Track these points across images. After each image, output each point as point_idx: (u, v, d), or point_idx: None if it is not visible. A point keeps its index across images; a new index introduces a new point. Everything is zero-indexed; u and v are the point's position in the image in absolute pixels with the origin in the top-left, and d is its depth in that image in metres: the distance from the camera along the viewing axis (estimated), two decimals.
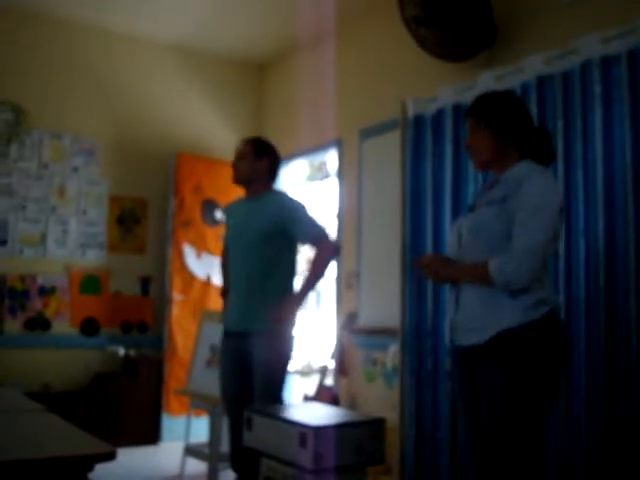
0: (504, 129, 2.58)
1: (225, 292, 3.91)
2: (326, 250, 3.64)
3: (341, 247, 3.74)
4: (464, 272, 2.54)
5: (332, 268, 5.22)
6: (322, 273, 3.68)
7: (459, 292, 2.58)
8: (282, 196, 3.83)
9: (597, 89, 3.26)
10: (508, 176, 2.54)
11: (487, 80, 3.88)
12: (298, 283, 3.70)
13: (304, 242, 3.69)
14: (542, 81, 3.55)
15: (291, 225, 3.61)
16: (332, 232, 3.79)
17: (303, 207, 3.71)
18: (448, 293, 2.73)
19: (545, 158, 2.64)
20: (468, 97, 3.77)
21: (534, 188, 2.42)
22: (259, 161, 3.76)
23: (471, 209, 2.67)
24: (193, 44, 6.25)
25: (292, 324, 3.65)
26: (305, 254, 3.79)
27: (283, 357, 3.65)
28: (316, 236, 3.63)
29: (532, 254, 2.36)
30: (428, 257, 2.81)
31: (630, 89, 3.14)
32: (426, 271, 2.68)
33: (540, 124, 3.54)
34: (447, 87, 4.09)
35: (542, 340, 2.41)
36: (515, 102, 2.68)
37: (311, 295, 6.55)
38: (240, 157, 3.79)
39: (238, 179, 3.80)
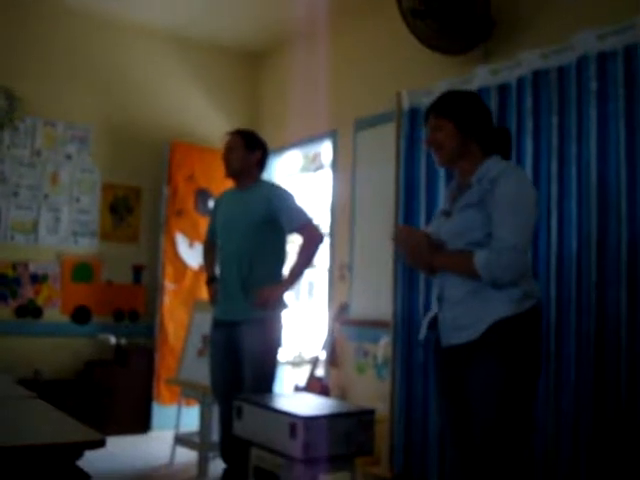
0: (469, 126, 2.57)
1: (210, 280, 3.93)
2: (312, 238, 3.67)
3: (324, 236, 3.78)
4: (451, 262, 2.51)
5: (321, 257, 5.25)
6: (309, 261, 3.71)
7: (443, 288, 2.55)
8: (271, 186, 3.88)
9: (593, 85, 3.26)
10: (481, 176, 2.50)
11: (483, 74, 3.88)
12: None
13: (290, 230, 3.71)
14: (538, 76, 3.55)
15: (279, 214, 3.64)
16: (320, 222, 3.81)
17: (291, 196, 3.75)
18: (433, 287, 2.68)
19: (505, 156, 2.63)
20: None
21: (510, 186, 2.42)
22: (252, 154, 3.80)
23: (447, 214, 2.61)
24: (188, 33, 6.22)
25: (280, 311, 3.67)
26: (295, 244, 3.81)
27: (272, 346, 3.66)
28: (302, 224, 3.66)
29: (517, 252, 2.36)
30: (418, 235, 2.62)
31: (625, 86, 3.14)
32: (410, 253, 2.59)
33: (535, 120, 3.55)
34: (443, 80, 4.09)
35: (529, 333, 2.43)
36: (478, 101, 2.67)
37: (300, 284, 6.58)
38: (230, 149, 3.81)
39: (231, 172, 3.82)
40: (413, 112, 4.27)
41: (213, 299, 3.88)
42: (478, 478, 2.43)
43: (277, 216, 3.66)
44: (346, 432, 3.09)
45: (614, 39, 3.21)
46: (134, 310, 5.96)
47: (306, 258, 3.68)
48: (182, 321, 5.65)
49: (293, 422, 2.97)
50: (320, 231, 3.76)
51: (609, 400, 3.06)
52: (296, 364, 6.38)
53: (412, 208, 4.26)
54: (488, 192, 2.44)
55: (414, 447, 4.11)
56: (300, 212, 3.70)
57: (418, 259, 2.59)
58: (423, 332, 2.65)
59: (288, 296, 3.77)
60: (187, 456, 4.70)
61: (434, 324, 2.59)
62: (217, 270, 3.91)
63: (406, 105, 4.34)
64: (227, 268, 3.75)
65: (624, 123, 3.13)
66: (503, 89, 3.78)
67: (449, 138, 2.57)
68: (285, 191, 3.79)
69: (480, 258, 2.38)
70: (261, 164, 3.86)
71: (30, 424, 2.19)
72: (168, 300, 5.87)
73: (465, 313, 2.46)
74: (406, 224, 4.19)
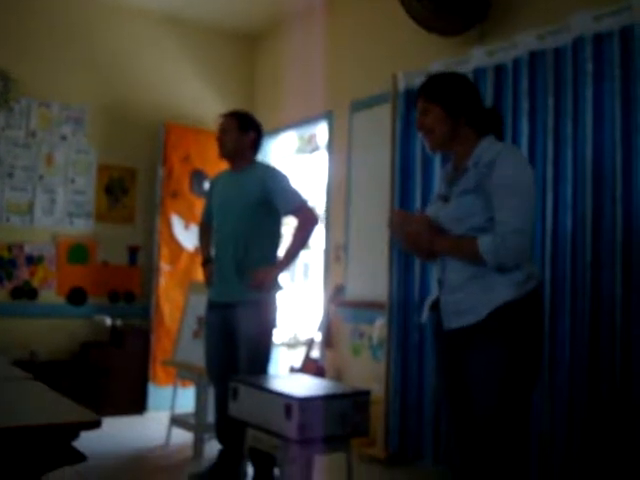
0: (458, 109, 2.53)
1: (205, 262, 3.93)
2: (307, 220, 3.67)
3: (319, 218, 3.78)
4: (454, 247, 2.47)
5: (317, 239, 5.25)
6: (304, 243, 3.72)
7: (444, 272, 2.53)
8: (266, 168, 3.87)
9: (589, 66, 3.25)
10: (477, 160, 2.47)
11: (479, 55, 3.86)
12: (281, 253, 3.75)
13: (285, 212, 3.71)
14: (534, 57, 3.54)
15: (274, 196, 3.64)
16: (315, 203, 3.82)
17: (286, 178, 3.75)
18: (433, 270, 2.66)
19: (499, 137, 2.60)
20: (460, 71, 3.75)
21: (508, 168, 2.39)
22: (245, 135, 3.79)
23: (444, 198, 2.57)
24: (184, 14, 6.17)
25: (275, 293, 3.67)
26: (291, 226, 3.82)
27: (268, 328, 3.67)
28: (297, 207, 3.66)
29: (521, 234, 2.34)
30: (417, 220, 2.59)
31: (621, 67, 3.13)
32: (407, 239, 2.56)
33: (531, 101, 3.54)
34: (439, 61, 4.07)
35: (531, 316, 2.43)
36: (466, 82, 2.63)
37: (296, 265, 6.58)
38: (224, 130, 3.80)
39: (225, 153, 3.81)
40: (409, 93, 4.25)
41: (208, 281, 3.88)
42: (478, 461, 2.44)
43: (272, 198, 3.65)
44: (341, 413, 3.10)
45: (610, 20, 3.20)
46: (130, 291, 5.97)
47: (301, 240, 3.68)
48: (178, 302, 5.66)
49: (288, 403, 2.98)
50: (315, 213, 3.76)
51: (603, 380, 3.08)
52: (291, 345, 6.40)
53: (408, 189, 4.25)
54: (485, 176, 2.41)
55: (409, 428, 4.13)
56: (295, 194, 3.69)
57: (417, 245, 2.56)
58: (425, 315, 2.64)
59: (283, 278, 3.78)
60: (183, 437, 4.72)
61: (436, 307, 2.57)
62: (212, 252, 3.91)
63: (402, 86, 4.32)
64: (222, 250, 3.75)
65: (620, 104, 3.12)
66: (499, 70, 3.76)
67: (438, 122, 2.55)
68: (280, 173, 3.79)
69: (485, 243, 2.36)
70: (255, 145, 3.85)
71: (26, 405, 2.19)
72: (164, 281, 5.88)
73: (466, 298, 2.44)
74: (401, 207, 4.19)
